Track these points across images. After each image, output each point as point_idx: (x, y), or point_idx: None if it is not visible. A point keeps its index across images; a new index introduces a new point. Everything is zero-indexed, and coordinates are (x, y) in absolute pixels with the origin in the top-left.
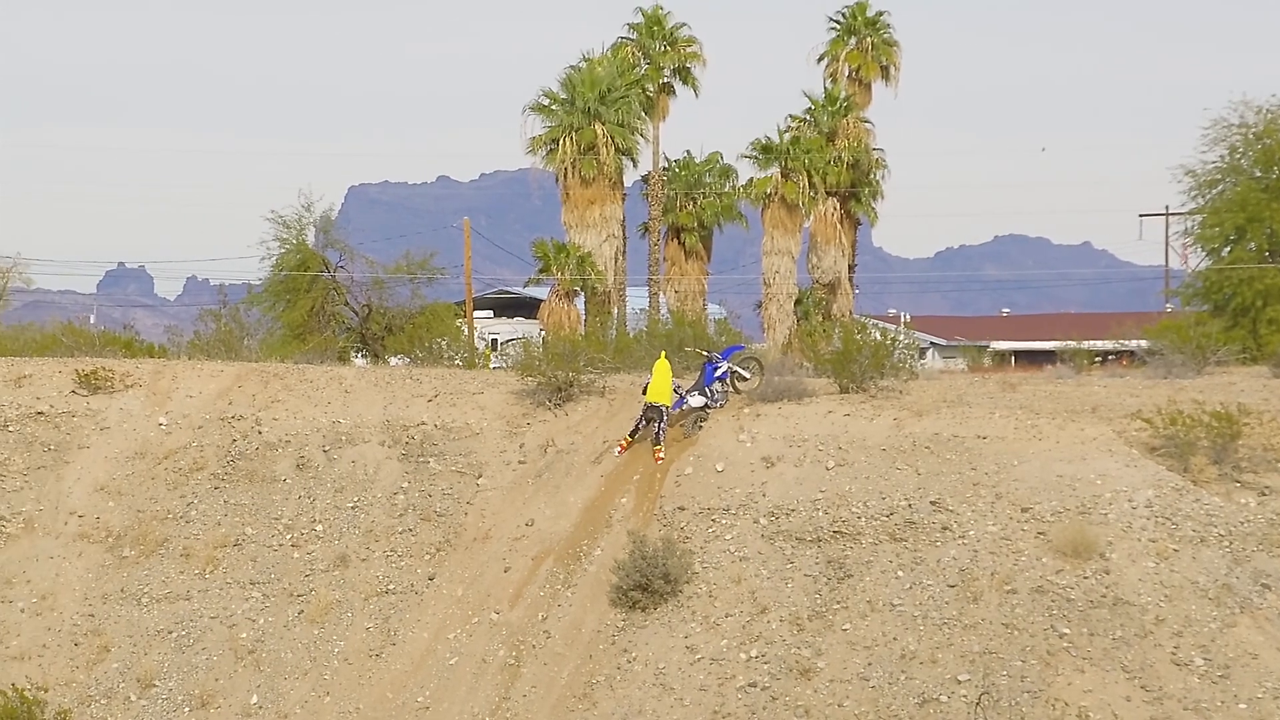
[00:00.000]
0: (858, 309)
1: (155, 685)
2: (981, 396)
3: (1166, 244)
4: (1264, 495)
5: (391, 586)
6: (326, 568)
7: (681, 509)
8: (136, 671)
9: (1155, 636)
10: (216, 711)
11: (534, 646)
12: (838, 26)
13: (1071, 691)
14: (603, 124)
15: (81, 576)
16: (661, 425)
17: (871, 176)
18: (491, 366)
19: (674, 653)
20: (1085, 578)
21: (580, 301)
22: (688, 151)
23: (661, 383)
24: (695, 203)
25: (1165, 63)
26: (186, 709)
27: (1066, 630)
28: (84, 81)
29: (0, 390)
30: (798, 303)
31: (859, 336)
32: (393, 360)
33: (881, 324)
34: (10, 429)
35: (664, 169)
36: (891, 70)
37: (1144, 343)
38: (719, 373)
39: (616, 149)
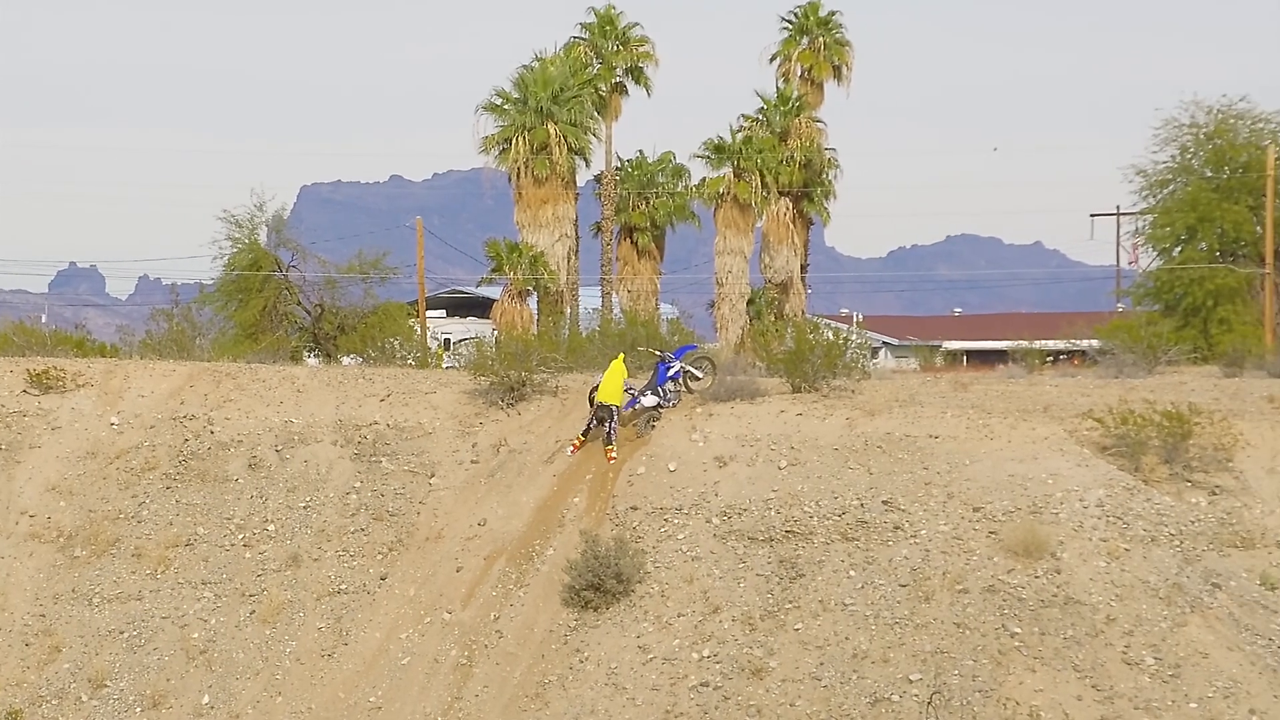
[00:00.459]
0: (810, 309)
1: (107, 685)
2: (933, 396)
3: (1118, 244)
4: (1214, 495)
5: (344, 586)
6: (278, 567)
7: (634, 508)
8: (88, 672)
9: (1106, 636)
10: (168, 711)
11: (486, 646)
12: (790, 26)
13: (1023, 691)
14: (555, 123)
15: (32, 576)
16: (613, 425)
17: (824, 176)
18: (444, 366)
19: (626, 652)
20: (1036, 577)
21: (533, 301)
22: (640, 151)
23: (612, 382)
24: (648, 202)
25: (1117, 63)
26: (138, 709)
27: (1018, 629)
28: (31, 79)
29: None
30: (750, 302)
31: (811, 336)
32: (345, 360)
33: (834, 324)
34: None
35: (617, 169)
36: (843, 70)
37: (1095, 342)
38: (672, 372)
39: (569, 148)
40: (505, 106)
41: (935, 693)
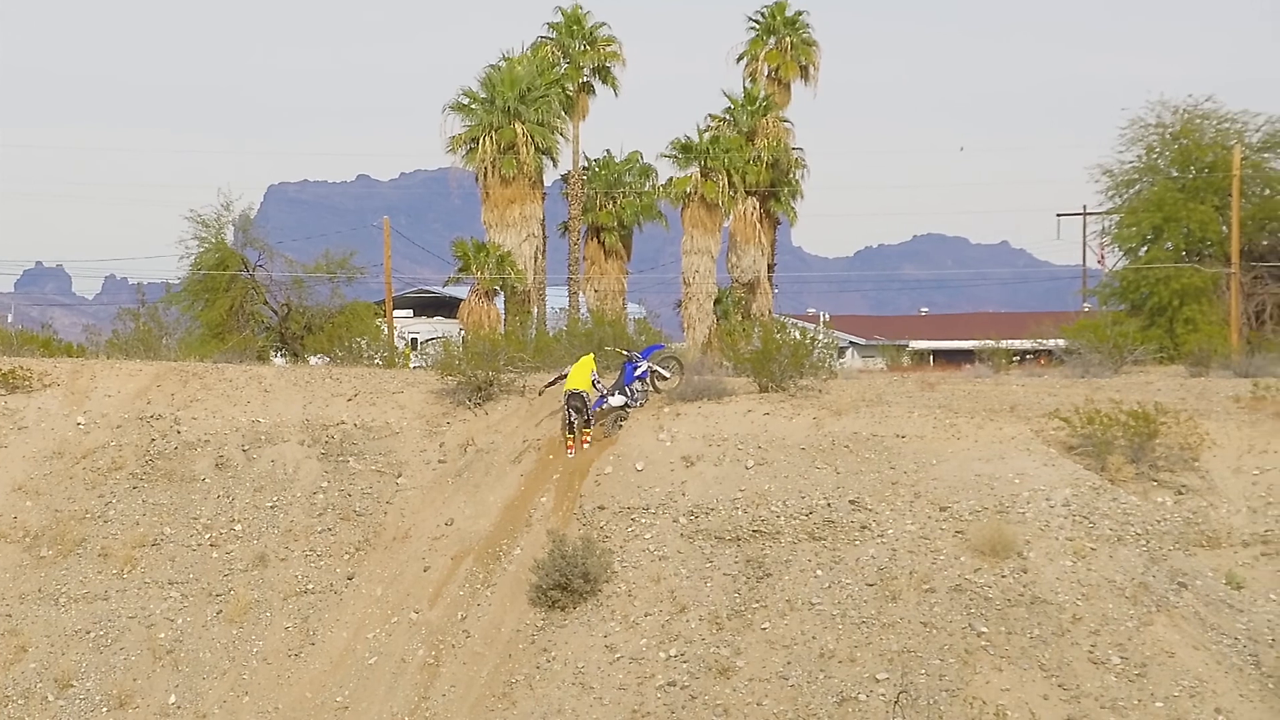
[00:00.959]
0: (777, 308)
1: (73, 685)
2: (900, 396)
3: (1084, 243)
4: (1180, 494)
5: (310, 586)
6: (245, 567)
7: (601, 508)
8: (54, 671)
9: (1072, 635)
10: (134, 711)
11: (453, 646)
12: (757, 26)
13: (989, 690)
14: (522, 123)
15: None
16: (589, 412)
17: (791, 176)
18: (411, 366)
19: (593, 652)
20: (1003, 576)
21: (500, 301)
22: (607, 151)
23: (580, 373)
24: (615, 202)
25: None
26: (104, 709)
27: (984, 629)
28: None
29: None
30: (717, 302)
31: (778, 336)
32: (312, 359)
33: (801, 323)
34: None
35: (584, 168)
36: (810, 70)
37: (1062, 342)
38: (639, 372)
39: (536, 148)
40: (472, 106)
41: (902, 692)
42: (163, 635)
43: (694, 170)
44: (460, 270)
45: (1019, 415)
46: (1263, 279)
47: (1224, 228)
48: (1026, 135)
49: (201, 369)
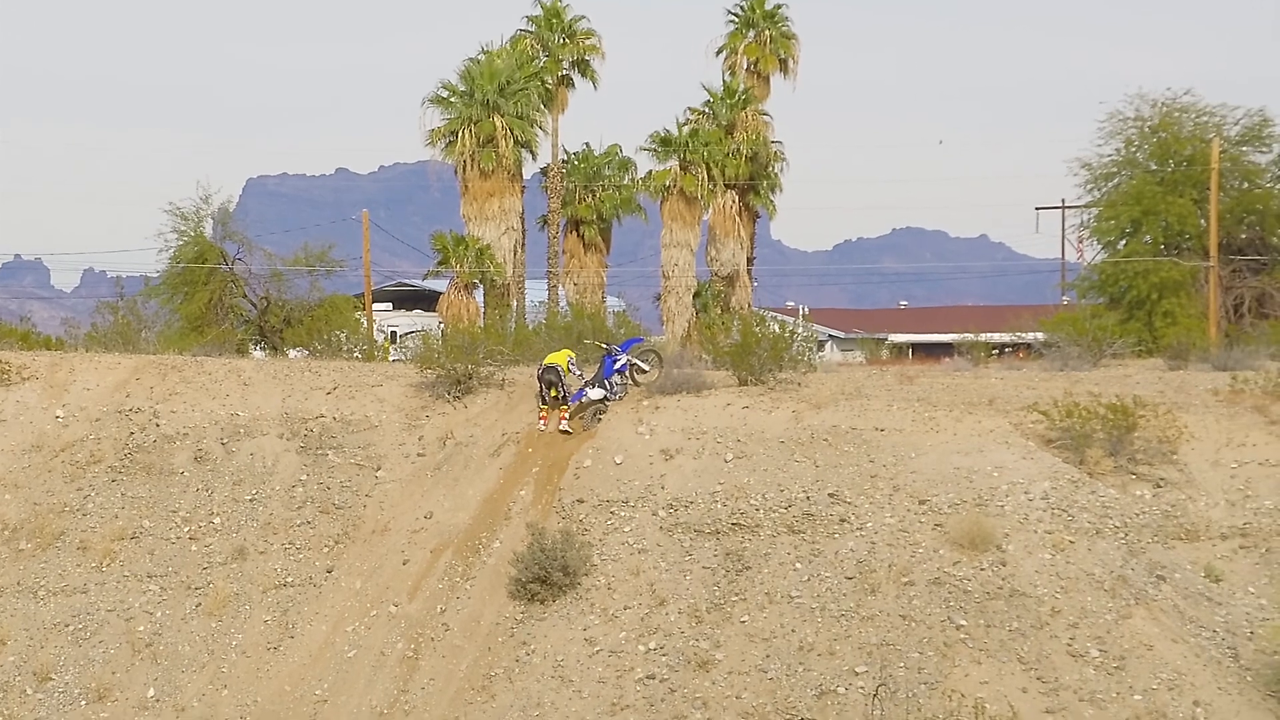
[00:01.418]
0: (756, 302)
1: (52, 678)
2: (879, 389)
3: (1063, 237)
4: (1159, 487)
5: (290, 579)
6: (224, 560)
7: (580, 501)
8: (33, 665)
9: (1051, 628)
10: (113, 704)
11: (432, 639)
12: (736, 19)
13: (968, 683)
14: (502, 116)
15: None
16: (563, 390)
17: (770, 169)
18: (390, 359)
19: (572, 645)
20: (982, 569)
21: (479, 294)
22: (587, 144)
23: (558, 355)
24: (594, 195)
25: (1063, 56)
26: (83, 702)
27: (963, 622)
28: None
29: None
30: (696, 295)
31: (757, 329)
32: (291, 353)
33: (780, 316)
34: None
35: (563, 161)
36: (790, 63)
37: (1041, 335)
38: (618, 365)
39: (515, 141)
40: (451, 99)
41: (881, 685)
42: (142, 628)
43: (673, 164)
44: (439, 263)
45: (998, 408)
46: (1241, 272)
47: (1202, 221)
48: (1006, 129)
49: (180, 362)
